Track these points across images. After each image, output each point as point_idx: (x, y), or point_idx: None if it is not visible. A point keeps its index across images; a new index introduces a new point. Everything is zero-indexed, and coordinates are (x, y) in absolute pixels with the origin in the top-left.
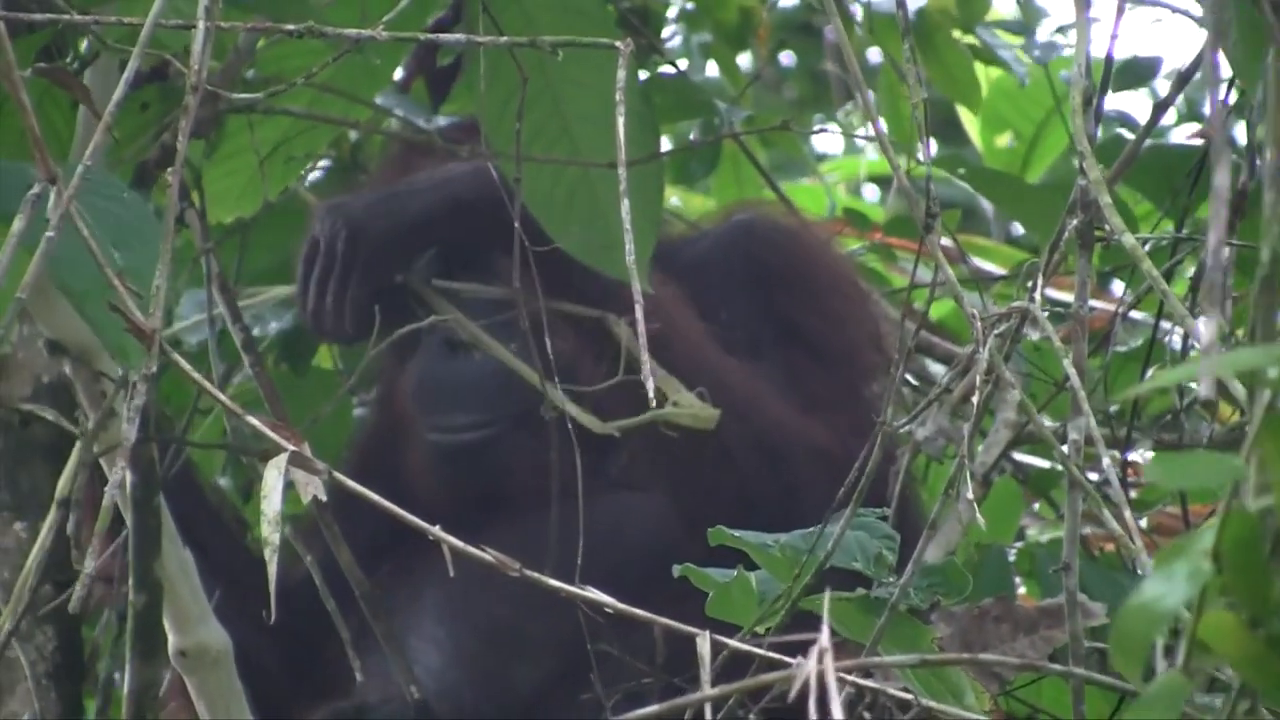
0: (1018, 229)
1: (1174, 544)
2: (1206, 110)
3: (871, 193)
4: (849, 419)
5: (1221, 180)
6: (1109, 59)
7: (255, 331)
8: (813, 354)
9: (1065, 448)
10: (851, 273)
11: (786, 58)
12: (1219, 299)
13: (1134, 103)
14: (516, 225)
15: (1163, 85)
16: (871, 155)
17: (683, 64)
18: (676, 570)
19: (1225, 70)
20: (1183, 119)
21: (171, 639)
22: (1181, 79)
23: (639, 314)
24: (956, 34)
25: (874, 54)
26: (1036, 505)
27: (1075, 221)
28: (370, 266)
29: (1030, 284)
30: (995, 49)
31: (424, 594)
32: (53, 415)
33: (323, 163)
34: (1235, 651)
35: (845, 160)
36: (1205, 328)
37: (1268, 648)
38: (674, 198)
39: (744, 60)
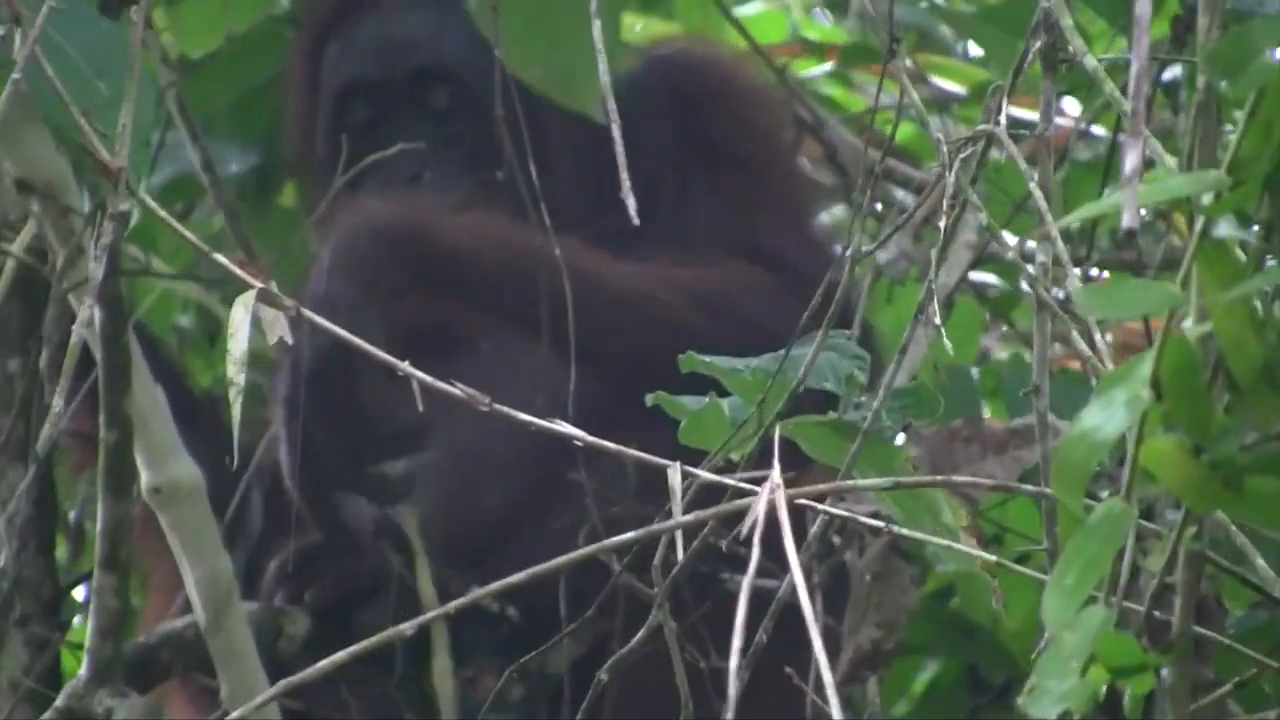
0: (974, 50)
1: (1112, 372)
2: None
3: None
4: (796, 228)
5: (1142, 8)
6: None
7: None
8: (744, 170)
9: (1032, 269)
10: (772, 96)
11: None
12: (1142, 126)
13: None
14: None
15: None
16: None
17: None
18: (649, 399)
19: None
20: None
21: (144, 475)
22: None
23: (616, 133)
24: None
25: None
26: (1001, 327)
27: (1039, 43)
28: None
29: (994, 106)
30: None
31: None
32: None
33: None
34: (1178, 477)
35: None
36: (1129, 156)
37: (1211, 472)
38: (638, 25)
39: None
